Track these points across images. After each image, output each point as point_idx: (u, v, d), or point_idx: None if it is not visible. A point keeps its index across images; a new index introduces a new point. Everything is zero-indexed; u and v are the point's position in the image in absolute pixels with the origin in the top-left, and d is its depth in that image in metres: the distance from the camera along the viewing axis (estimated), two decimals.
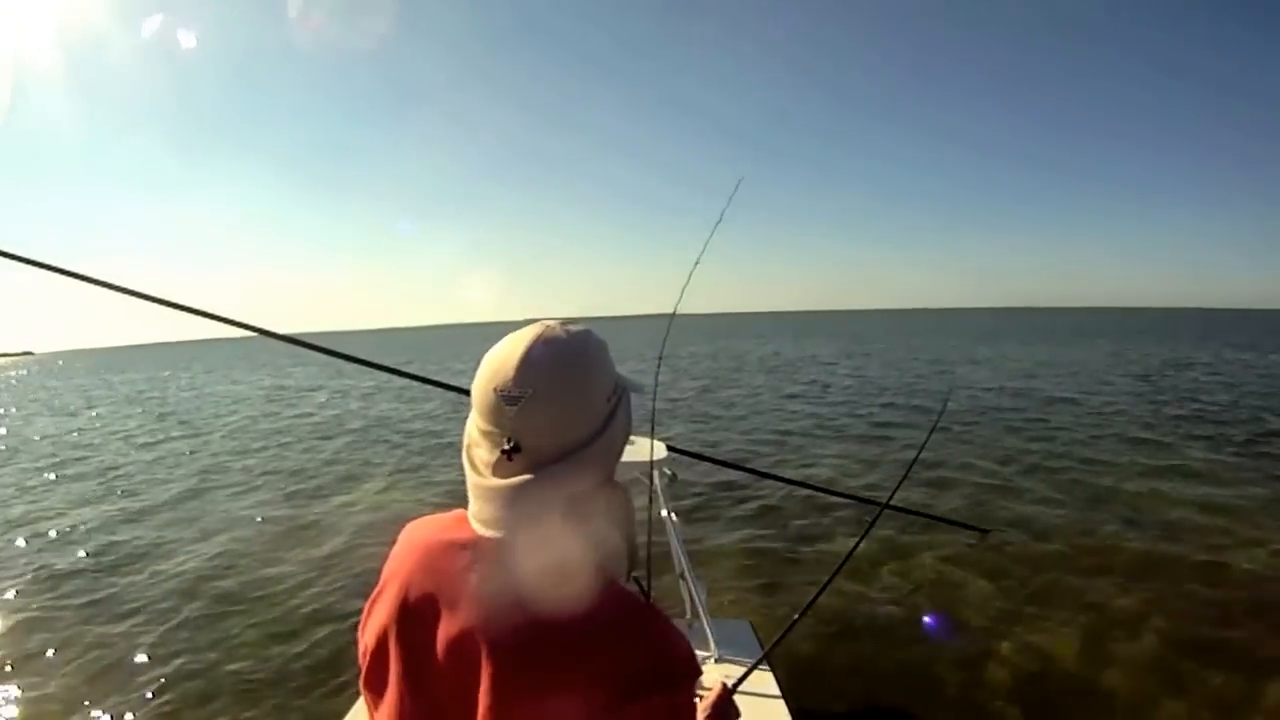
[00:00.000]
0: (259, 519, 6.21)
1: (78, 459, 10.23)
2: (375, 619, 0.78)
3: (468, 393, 0.78)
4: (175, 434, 12.17)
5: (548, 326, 0.75)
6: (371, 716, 0.78)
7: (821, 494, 5.47)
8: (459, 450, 0.78)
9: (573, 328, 0.76)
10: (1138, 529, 5.03)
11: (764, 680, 2.10)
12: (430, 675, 0.72)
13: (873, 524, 1.78)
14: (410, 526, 0.84)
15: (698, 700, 0.92)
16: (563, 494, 0.71)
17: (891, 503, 1.79)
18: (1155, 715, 2.92)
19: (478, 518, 0.73)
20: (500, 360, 0.73)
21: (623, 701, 0.64)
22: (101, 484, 8.29)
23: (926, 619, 3.67)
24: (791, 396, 13.65)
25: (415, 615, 0.74)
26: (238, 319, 2.52)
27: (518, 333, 0.75)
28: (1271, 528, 4.92)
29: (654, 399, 2.42)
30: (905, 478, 1.87)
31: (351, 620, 3.86)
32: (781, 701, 2.06)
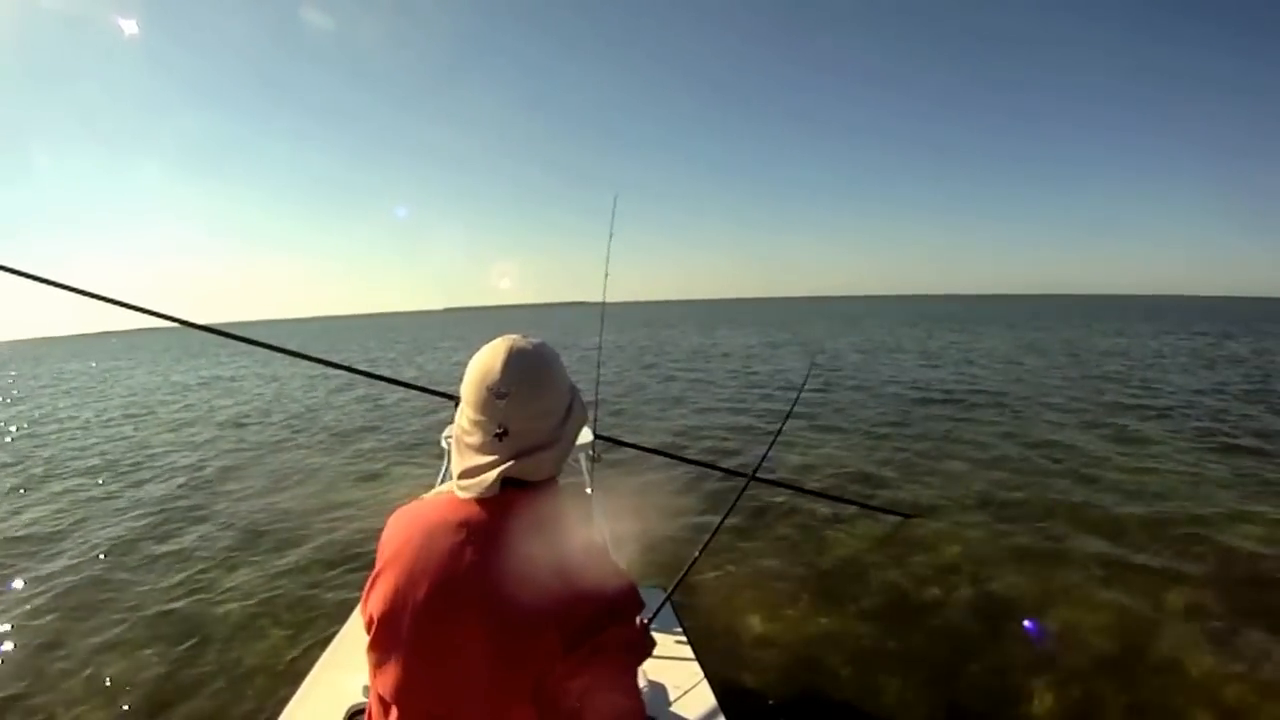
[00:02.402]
0: (229, 511, 6.13)
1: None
2: (380, 591, 0.90)
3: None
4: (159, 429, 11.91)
5: (514, 339, 0.95)
6: (373, 676, 0.92)
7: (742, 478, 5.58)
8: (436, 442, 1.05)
9: (533, 339, 0.97)
10: (1056, 510, 5.18)
11: (681, 649, 2.34)
12: (434, 636, 0.86)
13: (740, 495, 2.05)
14: (401, 511, 0.98)
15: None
16: (542, 469, 0.90)
17: (758, 475, 2.05)
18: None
19: (471, 491, 0.89)
20: (486, 365, 0.92)
21: (591, 632, 0.82)
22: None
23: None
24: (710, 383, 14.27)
25: (419, 586, 0.87)
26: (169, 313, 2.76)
27: (493, 344, 0.95)
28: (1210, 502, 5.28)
29: (596, 388, 2.57)
30: (769, 450, 2.15)
31: (292, 602, 4.09)
32: (695, 663, 2.27)
